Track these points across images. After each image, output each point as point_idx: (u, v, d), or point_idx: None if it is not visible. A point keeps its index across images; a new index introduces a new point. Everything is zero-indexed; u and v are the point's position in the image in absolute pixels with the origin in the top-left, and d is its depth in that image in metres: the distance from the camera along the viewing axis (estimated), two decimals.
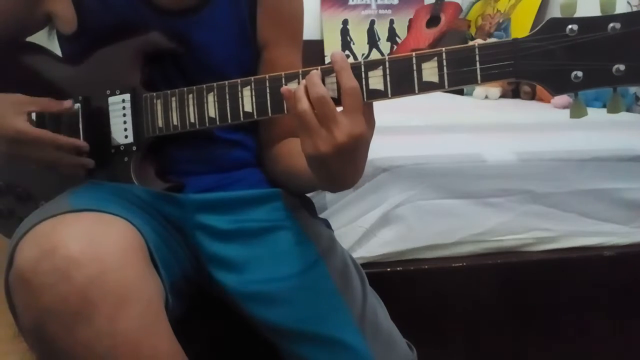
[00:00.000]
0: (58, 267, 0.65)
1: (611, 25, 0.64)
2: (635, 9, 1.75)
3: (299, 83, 0.76)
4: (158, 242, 0.81)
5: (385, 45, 2.70)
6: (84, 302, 0.65)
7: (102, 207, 0.75)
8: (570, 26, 0.65)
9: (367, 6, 2.73)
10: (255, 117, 0.80)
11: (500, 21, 2.40)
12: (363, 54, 2.69)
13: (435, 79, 0.71)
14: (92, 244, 0.68)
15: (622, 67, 0.64)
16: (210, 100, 0.84)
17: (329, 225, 1.02)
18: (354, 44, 2.70)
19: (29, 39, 1.01)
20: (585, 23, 0.65)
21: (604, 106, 0.77)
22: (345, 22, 2.71)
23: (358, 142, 0.69)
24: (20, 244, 0.70)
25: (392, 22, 2.73)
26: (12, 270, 0.68)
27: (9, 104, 0.87)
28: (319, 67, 0.73)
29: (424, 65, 0.72)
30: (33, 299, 0.66)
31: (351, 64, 0.73)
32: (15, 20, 0.95)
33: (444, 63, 0.71)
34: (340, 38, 2.70)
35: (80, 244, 0.67)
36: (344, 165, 0.72)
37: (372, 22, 2.73)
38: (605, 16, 0.64)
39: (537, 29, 0.67)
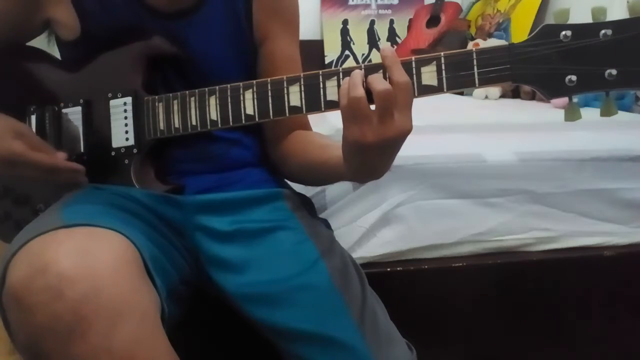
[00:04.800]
0: (50, 285, 0.65)
1: (603, 31, 0.66)
2: None
3: (300, 86, 0.77)
4: (154, 250, 0.80)
5: (385, 45, 2.70)
6: (77, 319, 0.65)
7: (95, 220, 0.74)
8: (564, 32, 0.68)
9: (367, 6, 2.73)
10: (257, 119, 0.82)
11: (500, 21, 2.39)
12: (363, 54, 2.69)
13: (434, 82, 0.73)
14: (85, 260, 0.68)
15: (614, 71, 0.67)
16: (212, 103, 0.84)
17: (328, 225, 1.03)
18: (354, 44, 2.70)
19: (29, 44, 1.01)
20: (579, 29, 0.68)
21: None
22: (345, 22, 2.70)
23: (402, 137, 0.72)
24: (12, 261, 0.69)
25: (392, 22, 2.73)
26: (5, 288, 0.68)
27: (9, 127, 0.86)
28: (362, 65, 0.75)
29: (423, 69, 0.73)
30: (26, 317, 0.66)
31: (350, 67, 0.75)
32: (12, 26, 0.95)
33: (443, 67, 0.73)
34: (340, 38, 2.69)
35: (72, 260, 0.67)
36: (382, 157, 0.74)
37: (372, 22, 2.72)
38: (597, 23, 0.67)
39: (532, 34, 0.70)
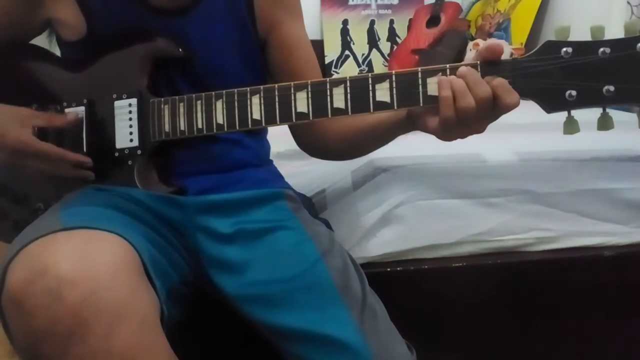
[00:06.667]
0: (50, 288, 0.65)
1: (601, 49, 0.70)
2: (635, 9, 1.75)
3: (307, 92, 0.78)
4: (153, 252, 0.80)
5: (385, 45, 2.70)
6: (77, 322, 0.65)
7: (94, 223, 0.74)
8: (565, 49, 0.71)
9: (367, 6, 2.72)
10: (264, 124, 0.82)
11: (500, 21, 2.39)
12: (363, 54, 2.69)
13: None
14: (84, 263, 0.68)
15: (611, 88, 0.70)
16: (219, 107, 0.84)
17: (329, 225, 1.03)
18: (354, 44, 2.69)
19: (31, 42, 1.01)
20: (579, 46, 0.71)
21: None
22: (345, 22, 2.70)
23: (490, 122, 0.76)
24: (11, 264, 0.69)
25: (392, 22, 2.72)
26: (4, 291, 0.68)
27: (14, 116, 0.86)
28: (448, 66, 0.76)
29: (429, 80, 0.75)
30: (26, 320, 0.66)
31: (357, 76, 0.77)
32: (13, 24, 0.95)
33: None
34: (340, 38, 2.69)
35: (71, 263, 0.67)
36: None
37: (372, 22, 2.72)
38: (596, 41, 0.70)
39: (534, 50, 0.72)
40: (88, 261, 0.68)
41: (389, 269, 1.13)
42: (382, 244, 1.13)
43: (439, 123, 0.75)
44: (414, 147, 1.22)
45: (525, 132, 1.40)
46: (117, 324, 0.67)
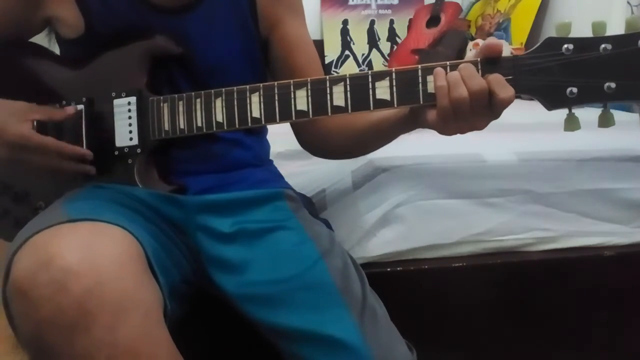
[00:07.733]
0: (55, 279, 0.65)
1: (603, 46, 0.69)
2: (635, 9, 1.75)
3: (307, 91, 0.78)
4: (156, 247, 0.80)
5: (385, 45, 2.70)
6: (81, 313, 0.65)
7: (99, 215, 0.75)
8: (566, 45, 0.71)
9: (367, 6, 2.72)
10: (263, 122, 0.82)
11: (500, 21, 2.39)
12: (363, 54, 2.69)
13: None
14: (89, 254, 0.68)
15: (612, 84, 0.70)
16: (218, 105, 0.84)
17: (329, 225, 1.03)
18: (354, 44, 2.69)
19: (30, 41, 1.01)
20: (580, 43, 0.70)
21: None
22: (345, 22, 2.70)
23: (492, 120, 0.76)
24: (17, 255, 0.70)
25: (392, 22, 2.72)
26: (9, 282, 0.68)
27: (13, 110, 0.87)
28: (448, 63, 0.76)
29: (429, 78, 0.75)
30: (31, 311, 0.66)
31: (356, 74, 0.77)
32: (13, 23, 0.95)
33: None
34: (340, 38, 2.69)
35: (76, 254, 0.67)
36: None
37: (372, 22, 2.72)
38: (598, 37, 0.70)
39: (535, 46, 0.72)
40: (93, 253, 0.68)
41: (389, 269, 1.13)
42: (382, 244, 1.13)
43: (437, 114, 0.75)
44: (414, 147, 1.22)
45: (525, 132, 1.40)
46: (121, 316, 0.67)
